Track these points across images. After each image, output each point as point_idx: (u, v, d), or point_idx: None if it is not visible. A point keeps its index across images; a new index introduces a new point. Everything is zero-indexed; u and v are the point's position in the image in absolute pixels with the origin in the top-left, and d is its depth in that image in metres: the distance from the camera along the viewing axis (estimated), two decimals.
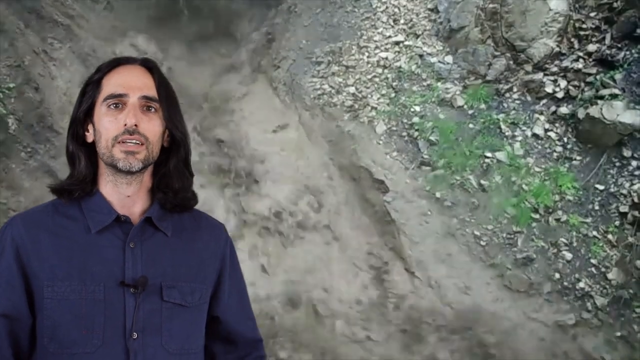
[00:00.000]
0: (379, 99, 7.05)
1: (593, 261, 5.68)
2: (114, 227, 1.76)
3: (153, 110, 1.77)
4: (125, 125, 1.70)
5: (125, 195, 1.78)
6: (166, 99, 1.80)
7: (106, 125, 1.72)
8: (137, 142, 1.72)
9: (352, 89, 7.17)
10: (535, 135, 6.47)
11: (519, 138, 6.46)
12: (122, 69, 1.79)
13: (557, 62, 6.86)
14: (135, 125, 1.71)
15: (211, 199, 6.46)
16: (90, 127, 1.78)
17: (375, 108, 6.98)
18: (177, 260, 1.81)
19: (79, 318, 1.67)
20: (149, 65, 1.83)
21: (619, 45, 6.61)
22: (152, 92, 1.77)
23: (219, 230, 1.97)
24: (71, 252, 1.71)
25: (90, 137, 1.78)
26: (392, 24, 7.58)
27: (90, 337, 1.67)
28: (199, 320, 1.86)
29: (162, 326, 1.74)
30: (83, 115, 1.77)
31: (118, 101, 1.73)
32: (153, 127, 1.76)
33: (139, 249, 1.76)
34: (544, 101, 6.71)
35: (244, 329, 1.99)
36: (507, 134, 6.51)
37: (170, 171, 1.84)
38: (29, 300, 1.69)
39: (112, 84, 1.75)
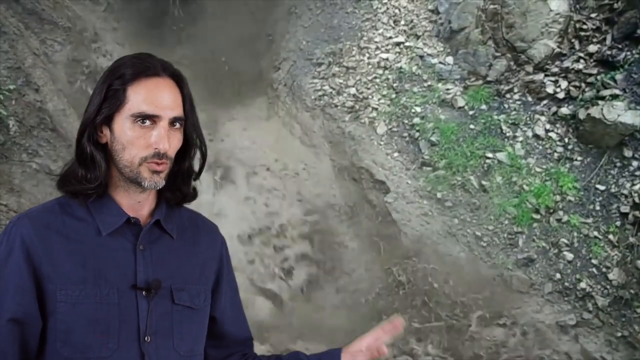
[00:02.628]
0: (379, 99, 7.05)
1: (594, 261, 5.67)
2: (124, 229, 1.75)
3: (177, 126, 1.75)
4: (156, 149, 1.68)
5: (137, 202, 1.78)
6: (191, 113, 1.79)
7: (132, 142, 1.69)
8: (164, 163, 1.71)
9: (352, 90, 7.17)
10: (536, 136, 6.47)
11: (520, 139, 6.45)
12: (151, 83, 1.72)
13: (557, 62, 6.86)
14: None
15: None
16: (105, 129, 1.74)
17: (376, 109, 6.98)
18: (182, 263, 1.82)
19: (94, 322, 1.65)
20: (178, 79, 1.78)
21: (620, 46, 6.61)
22: (180, 110, 1.75)
23: (214, 231, 1.98)
24: (83, 255, 1.69)
25: (104, 139, 1.75)
26: (392, 25, 7.58)
27: (106, 341, 1.66)
28: (205, 322, 1.87)
29: (174, 329, 1.75)
30: (102, 119, 1.72)
31: (148, 119, 1.69)
32: (177, 143, 1.75)
33: (149, 251, 1.76)
34: (545, 102, 6.71)
35: (236, 328, 2.00)
36: (508, 134, 6.50)
37: (182, 173, 1.84)
38: (40, 304, 1.66)
39: (142, 100, 1.69)
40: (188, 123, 1.78)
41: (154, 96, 1.70)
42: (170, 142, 1.71)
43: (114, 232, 1.73)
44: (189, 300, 1.78)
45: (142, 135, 1.69)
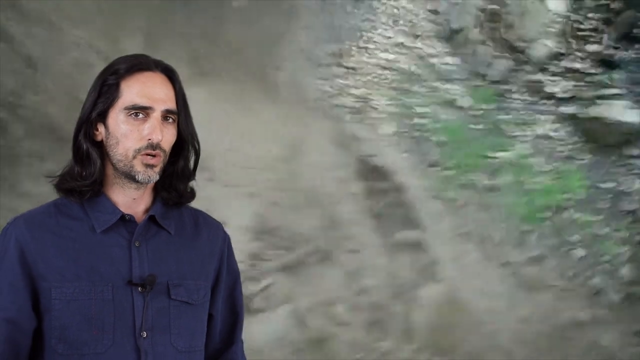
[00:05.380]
0: (381, 100, 7.05)
1: (605, 258, 5.75)
2: (119, 226, 1.79)
3: (171, 120, 1.80)
4: (150, 140, 1.74)
5: (132, 199, 1.82)
6: (184, 109, 1.85)
7: (126, 134, 1.74)
8: (157, 155, 1.76)
9: (354, 91, 7.16)
10: (541, 135, 6.52)
11: (526, 138, 6.50)
12: (143, 76, 1.79)
13: (557, 62, 6.93)
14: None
15: None
16: (100, 126, 1.80)
17: (378, 109, 6.98)
18: (181, 258, 1.85)
19: (88, 318, 1.68)
20: (170, 75, 1.85)
21: (619, 45, 6.70)
22: (173, 104, 1.81)
23: (216, 228, 2.02)
24: (77, 252, 1.73)
25: (99, 137, 1.80)
26: (392, 25, 7.59)
27: (101, 337, 1.69)
28: (203, 318, 1.91)
29: (171, 324, 1.77)
30: (96, 116, 1.79)
31: (141, 112, 1.75)
32: (170, 138, 1.80)
33: (145, 247, 1.79)
34: (548, 101, 6.77)
35: (227, 327, 2.04)
36: (513, 134, 6.55)
37: (177, 173, 1.88)
38: (34, 303, 1.71)
39: (135, 92, 1.75)
40: (181, 119, 1.84)
41: (146, 88, 1.77)
42: (163, 134, 1.76)
43: (108, 229, 1.78)
44: (186, 296, 1.82)
45: (135, 128, 1.75)
